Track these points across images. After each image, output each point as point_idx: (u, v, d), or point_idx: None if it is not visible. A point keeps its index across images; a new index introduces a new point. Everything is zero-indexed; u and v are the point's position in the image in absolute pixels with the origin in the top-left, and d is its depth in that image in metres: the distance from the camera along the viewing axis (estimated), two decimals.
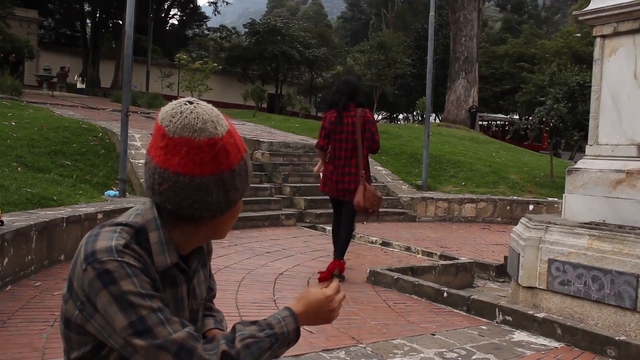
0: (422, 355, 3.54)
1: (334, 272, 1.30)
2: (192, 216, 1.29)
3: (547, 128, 14.13)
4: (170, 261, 1.30)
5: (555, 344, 3.89)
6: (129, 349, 1.21)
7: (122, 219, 1.32)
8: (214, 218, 1.31)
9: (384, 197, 9.78)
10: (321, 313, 1.42)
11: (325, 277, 1.35)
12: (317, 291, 1.42)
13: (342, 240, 5.53)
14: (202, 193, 1.24)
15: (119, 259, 1.21)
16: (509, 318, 4.28)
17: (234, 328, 1.33)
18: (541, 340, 3.97)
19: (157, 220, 1.31)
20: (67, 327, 1.30)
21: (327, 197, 5.99)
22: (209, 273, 1.57)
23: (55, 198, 6.18)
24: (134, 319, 1.19)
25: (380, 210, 6.02)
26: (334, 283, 1.44)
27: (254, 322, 1.35)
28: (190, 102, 1.26)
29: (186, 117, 1.22)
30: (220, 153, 1.24)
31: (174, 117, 1.23)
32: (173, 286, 1.34)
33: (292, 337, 1.37)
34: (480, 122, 31.73)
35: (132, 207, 1.42)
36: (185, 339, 1.21)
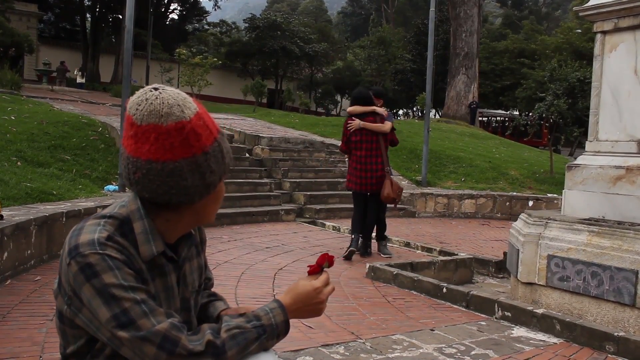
0: (421, 350, 3.55)
1: (323, 265, 1.29)
2: (170, 202, 1.27)
3: (547, 124, 14.13)
4: (155, 250, 1.30)
5: (554, 340, 3.90)
6: (116, 341, 1.21)
7: (106, 211, 1.32)
8: (193, 203, 1.30)
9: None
10: (310, 305, 1.41)
11: (314, 271, 1.33)
12: (306, 283, 1.43)
13: (368, 224, 6.46)
14: (177, 178, 1.23)
15: (101, 251, 1.21)
16: (508, 314, 4.29)
17: (220, 319, 1.33)
18: (540, 335, 3.98)
19: (140, 210, 1.30)
20: (61, 321, 1.31)
21: (328, 193, 6.59)
22: (203, 262, 1.56)
23: (55, 192, 6.18)
24: (117, 312, 1.19)
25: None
26: (323, 275, 1.44)
27: (241, 315, 1.35)
28: (156, 89, 1.25)
29: (151, 103, 1.22)
30: (189, 136, 1.23)
31: (139, 105, 1.22)
32: (162, 275, 1.33)
33: (281, 329, 1.35)
34: (480, 118, 31.71)
35: None
36: (168, 330, 1.20)
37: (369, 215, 6.47)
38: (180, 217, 1.33)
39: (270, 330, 1.33)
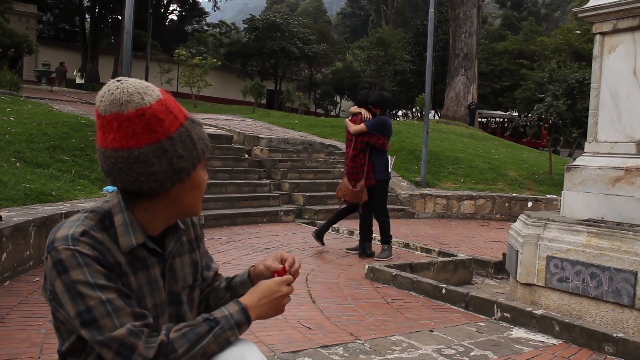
0: (420, 351, 3.55)
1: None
2: (142, 190, 1.28)
3: (546, 125, 14.13)
4: (135, 241, 1.30)
5: (553, 341, 3.90)
6: (84, 337, 1.24)
7: (91, 206, 1.35)
8: (164, 189, 1.29)
9: None
10: (271, 299, 1.39)
11: (281, 274, 1.39)
12: (267, 280, 1.44)
13: (360, 224, 6.75)
14: (143, 164, 1.24)
15: (72, 247, 1.22)
16: (507, 315, 4.29)
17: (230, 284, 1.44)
18: (539, 336, 3.98)
19: (121, 204, 1.32)
20: (54, 317, 1.33)
21: (327, 193, 7.35)
22: (203, 256, 1.57)
23: (53, 193, 6.18)
24: (82, 309, 1.20)
25: None
26: (286, 276, 1.46)
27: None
28: (119, 80, 1.27)
29: (112, 93, 1.24)
30: (151, 122, 1.23)
31: (103, 97, 1.25)
32: (144, 268, 1.34)
33: (238, 318, 1.34)
34: (480, 119, 31.70)
35: None
36: (126, 336, 1.20)
37: (361, 215, 6.67)
38: (156, 206, 1.33)
39: (225, 321, 1.32)
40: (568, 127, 12.83)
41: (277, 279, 1.43)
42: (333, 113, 41.19)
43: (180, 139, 1.27)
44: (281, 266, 1.48)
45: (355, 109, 6.76)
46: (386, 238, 6.63)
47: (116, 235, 1.29)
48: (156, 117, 1.24)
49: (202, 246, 1.56)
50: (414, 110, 43.05)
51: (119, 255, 1.28)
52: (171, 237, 1.41)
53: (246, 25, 40.25)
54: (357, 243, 6.79)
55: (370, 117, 6.52)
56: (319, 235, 6.88)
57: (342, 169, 10.84)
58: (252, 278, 1.57)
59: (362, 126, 6.43)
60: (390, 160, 6.68)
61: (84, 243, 1.24)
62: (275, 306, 1.40)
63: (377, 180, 6.47)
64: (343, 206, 7.05)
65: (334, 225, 8.66)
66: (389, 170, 6.62)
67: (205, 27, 49.38)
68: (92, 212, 1.31)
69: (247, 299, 1.37)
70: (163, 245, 1.39)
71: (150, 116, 1.24)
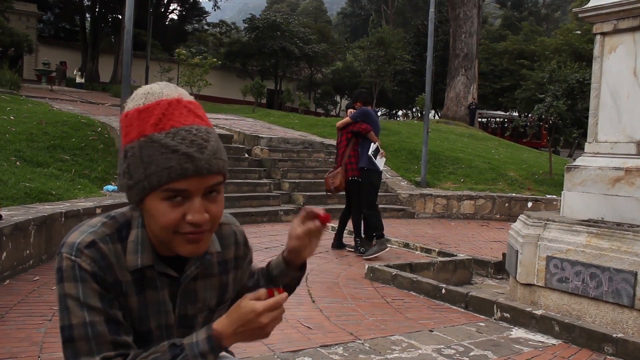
0: (420, 351, 3.55)
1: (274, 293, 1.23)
2: (129, 198, 1.22)
3: (546, 125, 14.12)
4: (140, 263, 1.24)
5: (553, 341, 3.90)
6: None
7: (118, 210, 1.30)
8: (134, 202, 1.21)
9: (382, 193, 9.83)
10: (250, 329, 1.22)
11: (269, 294, 1.27)
12: (247, 304, 1.21)
13: (352, 220, 6.86)
14: (121, 164, 1.21)
15: (74, 258, 1.19)
16: (507, 315, 4.29)
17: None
18: (539, 337, 3.98)
19: (140, 218, 1.25)
20: None
21: (325, 193, 7.32)
22: (244, 275, 1.49)
23: (54, 192, 6.18)
24: (66, 324, 1.18)
25: (379, 205, 6.90)
26: (269, 300, 1.22)
27: None
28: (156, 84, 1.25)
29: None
30: (122, 127, 1.21)
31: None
32: (152, 288, 1.27)
33: (203, 348, 1.20)
34: (480, 119, 31.69)
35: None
36: (99, 343, 1.18)
37: (352, 211, 6.80)
38: (147, 221, 1.24)
39: (189, 349, 1.20)
40: (568, 128, 12.83)
41: (258, 305, 1.19)
42: (333, 113, 41.17)
43: (129, 154, 1.18)
44: (268, 290, 1.24)
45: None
46: (375, 232, 6.56)
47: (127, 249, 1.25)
48: (125, 124, 1.20)
49: (244, 265, 1.46)
50: (414, 110, 43.07)
51: (123, 272, 1.24)
52: (193, 261, 1.31)
53: (246, 25, 40.22)
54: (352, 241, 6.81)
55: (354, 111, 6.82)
56: (339, 245, 6.93)
57: None
58: (286, 258, 1.51)
59: (346, 118, 6.75)
60: (374, 145, 6.49)
61: (86, 256, 1.20)
62: (255, 334, 1.23)
63: (361, 169, 6.51)
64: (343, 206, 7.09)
65: (333, 225, 8.68)
66: (369, 154, 6.44)
67: (206, 27, 49.38)
68: (112, 219, 1.26)
69: (222, 324, 1.22)
70: (182, 266, 1.31)
71: (123, 122, 1.21)
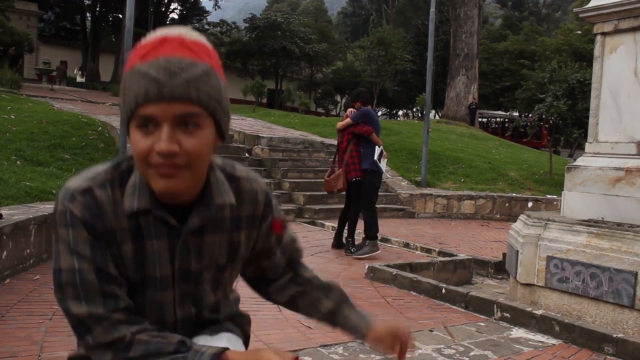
0: (420, 351, 3.55)
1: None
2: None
3: (546, 125, 14.13)
4: (137, 206, 1.19)
5: (553, 341, 3.90)
6: None
7: (127, 155, 1.25)
8: (128, 134, 1.17)
9: (383, 193, 9.83)
10: None
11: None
12: (267, 355, 1.17)
13: (348, 220, 6.82)
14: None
15: (67, 204, 1.18)
16: (507, 315, 4.29)
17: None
18: (539, 337, 3.98)
19: None
20: None
21: (326, 193, 7.14)
22: (260, 239, 1.40)
23: (54, 192, 6.18)
24: (56, 268, 1.18)
25: (379, 205, 7.07)
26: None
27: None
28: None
29: None
30: (127, 61, 1.17)
31: None
32: (150, 237, 1.23)
33: None
34: (480, 119, 31.70)
35: None
36: (85, 318, 1.17)
37: (350, 210, 6.78)
38: None
39: (193, 355, 1.17)
40: (568, 128, 12.84)
41: None
42: (333, 112, 41.20)
43: (123, 82, 1.17)
44: (295, 356, 1.19)
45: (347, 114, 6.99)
46: (369, 233, 6.57)
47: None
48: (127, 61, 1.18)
49: (263, 227, 1.39)
50: (414, 110, 43.07)
51: (120, 219, 1.20)
52: (196, 212, 1.25)
53: (247, 25, 40.25)
54: (360, 241, 6.76)
55: (354, 111, 6.76)
56: (339, 245, 6.87)
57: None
58: (366, 333, 1.46)
59: (347, 120, 6.67)
60: (378, 149, 6.55)
61: (79, 203, 1.18)
62: None
63: (363, 171, 6.49)
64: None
65: (324, 223, 8.70)
66: (375, 158, 6.49)
67: (206, 26, 49.35)
68: (117, 165, 1.23)
69: (235, 354, 1.18)
70: (185, 216, 1.25)
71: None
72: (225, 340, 1.38)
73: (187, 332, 1.34)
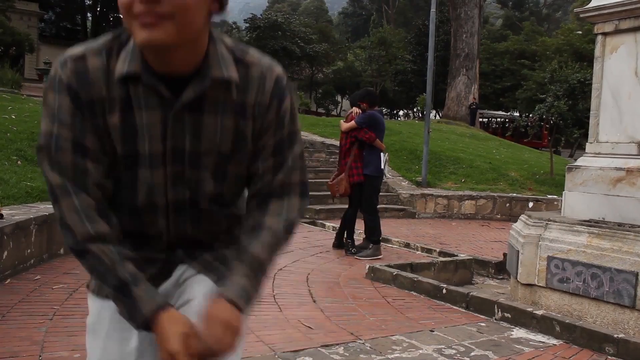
0: (420, 351, 3.55)
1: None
2: None
3: (547, 125, 14.12)
4: (126, 69, 1.16)
5: (554, 341, 3.90)
6: None
7: None
8: None
9: (383, 193, 9.83)
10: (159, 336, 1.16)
11: None
12: (175, 330, 1.14)
13: (346, 220, 6.81)
14: None
15: (59, 69, 1.19)
16: (507, 315, 4.29)
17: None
18: (540, 337, 3.98)
19: None
20: None
21: (328, 193, 7.06)
22: (265, 135, 1.28)
23: None
24: (41, 129, 1.20)
25: (379, 206, 7.00)
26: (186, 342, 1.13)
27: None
28: None
29: None
30: None
31: None
32: (139, 107, 1.19)
33: (135, 316, 1.17)
34: (481, 119, 31.67)
35: None
36: (55, 186, 1.18)
37: (347, 211, 6.80)
38: None
39: (129, 309, 1.18)
40: (569, 128, 12.84)
41: (172, 339, 1.13)
42: (334, 112, 41.20)
43: None
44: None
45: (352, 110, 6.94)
46: (371, 237, 6.58)
47: None
48: None
49: (267, 119, 1.27)
50: (415, 110, 43.07)
51: (111, 89, 1.18)
52: (192, 85, 1.19)
53: (247, 25, 40.26)
54: (361, 241, 6.76)
55: (360, 112, 6.68)
56: (340, 244, 6.84)
57: None
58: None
59: (351, 123, 6.59)
60: (384, 157, 6.60)
61: (69, 69, 1.18)
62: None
63: (365, 176, 6.48)
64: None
65: (325, 224, 8.71)
66: (382, 167, 6.54)
67: None
68: (118, 35, 1.21)
69: (169, 318, 1.16)
70: (179, 89, 1.19)
71: None
72: (201, 287, 1.29)
73: (181, 222, 1.28)
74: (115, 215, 1.24)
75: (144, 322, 1.17)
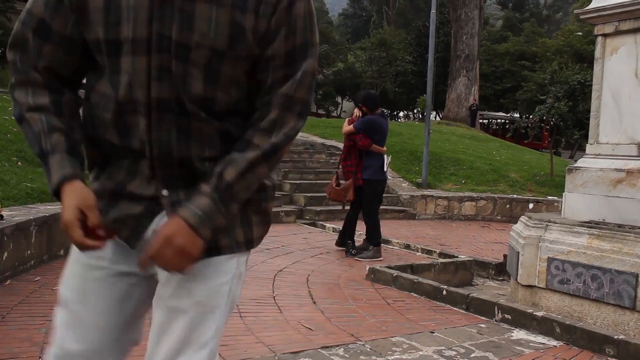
0: (421, 353, 3.55)
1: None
2: None
3: (547, 126, 14.13)
4: None
5: (554, 343, 3.90)
6: None
7: None
8: None
9: (384, 195, 9.80)
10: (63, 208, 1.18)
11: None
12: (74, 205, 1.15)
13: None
14: None
15: None
16: (508, 316, 4.29)
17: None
18: (540, 338, 3.98)
19: None
20: None
21: (326, 194, 6.97)
22: (257, 30, 1.17)
23: None
24: None
25: (380, 207, 6.94)
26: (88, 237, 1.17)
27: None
28: None
29: None
30: None
31: None
32: None
33: (51, 180, 1.19)
34: (481, 120, 31.70)
35: None
36: (10, 62, 1.23)
37: (347, 214, 6.83)
38: None
39: (47, 170, 1.20)
40: (569, 129, 12.84)
41: (71, 217, 1.15)
42: (334, 114, 41.19)
43: None
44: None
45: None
46: (372, 240, 6.58)
47: None
48: None
49: (275, 17, 1.16)
50: (415, 111, 43.08)
51: None
52: None
53: None
54: (361, 242, 6.76)
55: (360, 115, 6.68)
56: (342, 243, 6.85)
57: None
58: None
59: (350, 126, 6.60)
60: (386, 160, 6.61)
61: None
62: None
63: (365, 180, 6.47)
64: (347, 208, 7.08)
65: (325, 225, 8.70)
66: (384, 170, 6.55)
67: None
68: None
69: (72, 189, 1.17)
70: None
71: None
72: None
73: (165, 130, 1.19)
74: (96, 118, 1.23)
75: (53, 190, 1.19)
